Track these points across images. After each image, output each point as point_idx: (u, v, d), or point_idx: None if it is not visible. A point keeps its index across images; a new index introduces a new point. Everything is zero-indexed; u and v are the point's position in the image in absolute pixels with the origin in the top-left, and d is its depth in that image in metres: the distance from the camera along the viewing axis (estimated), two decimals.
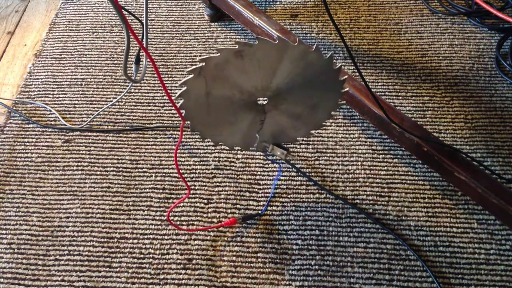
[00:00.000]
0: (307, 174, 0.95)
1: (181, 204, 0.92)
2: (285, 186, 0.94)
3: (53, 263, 0.87)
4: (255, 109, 0.72)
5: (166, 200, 0.93)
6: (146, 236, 0.89)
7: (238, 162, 0.97)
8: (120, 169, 0.98)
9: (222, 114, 0.71)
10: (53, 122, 1.06)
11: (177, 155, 0.99)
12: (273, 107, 0.73)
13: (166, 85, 1.11)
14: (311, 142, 0.99)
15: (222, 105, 0.69)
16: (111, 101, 1.08)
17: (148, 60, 0.84)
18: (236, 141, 0.78)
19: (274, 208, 0.91)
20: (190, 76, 0.63)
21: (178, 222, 0.90)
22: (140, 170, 0.98)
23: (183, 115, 0.68)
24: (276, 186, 0.93)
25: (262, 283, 0.83)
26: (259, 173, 0.96)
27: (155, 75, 1.13)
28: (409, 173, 0.94)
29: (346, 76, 0.72)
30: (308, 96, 0.72)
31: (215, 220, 0.90)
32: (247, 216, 0.89)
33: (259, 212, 0.90)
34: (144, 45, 0.72)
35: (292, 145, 0.99)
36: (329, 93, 0.73)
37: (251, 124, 0.75)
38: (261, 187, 0.94)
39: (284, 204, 0.91)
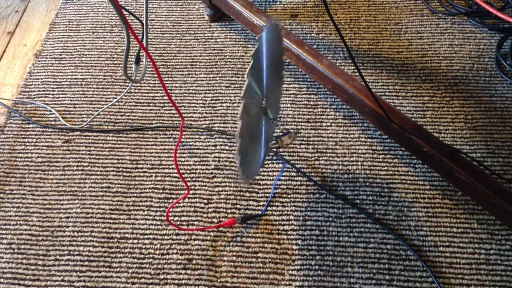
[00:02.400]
0: (307, 174, 0.95)
1: (181, 204, 0.92)
2: (285, 186, 0.94)
3: (53, 263, 0.87)
4: (264, 118, 0.73)
5: (166, 200, 0.93)
6: (146, 236, 0.89)
7: None
8: (120, 169, 0.98)
9: (254, 142, 0.72)
10: (53, 122, 1.06)
11: (177, 155, 0.99)
12: (267, 103, 0.73)
13: (166, 85, 1.11)
14: (311, 142, 0.99)
15: (252, 133, 0.70)
16: (111, 101, 1.08)
17: (148, 60, 0.84)
18: (260, 162, 0.78)
19: (274, 208, 0.91)
20: (241, 121, 0.61)
21: (178, 222, 0.90)
22: (140, 170, 0.98)
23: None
24: (276, 186, 0.93)
25: (262, 283, 0.83)
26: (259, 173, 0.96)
27: (155, 75, 1.13)
28: (409, 173, 0.94)
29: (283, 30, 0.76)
30: (279, 73, 0.74)
31: (215, 220, 0.90)
32: (247, 217, 0.89)
33: (259, 212, 0.90)
34: (144, 45, 0.72)
35: (292, 146, 0.99)
36: (282, 58, 0.76)
37: (266, 132, 0.75)
38: (261, 187, 0.94)
39: (284, 204, 0.91)
